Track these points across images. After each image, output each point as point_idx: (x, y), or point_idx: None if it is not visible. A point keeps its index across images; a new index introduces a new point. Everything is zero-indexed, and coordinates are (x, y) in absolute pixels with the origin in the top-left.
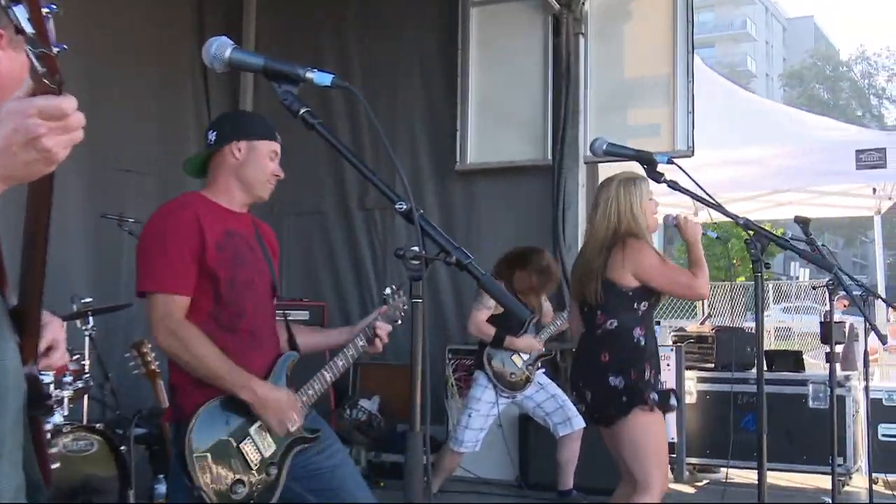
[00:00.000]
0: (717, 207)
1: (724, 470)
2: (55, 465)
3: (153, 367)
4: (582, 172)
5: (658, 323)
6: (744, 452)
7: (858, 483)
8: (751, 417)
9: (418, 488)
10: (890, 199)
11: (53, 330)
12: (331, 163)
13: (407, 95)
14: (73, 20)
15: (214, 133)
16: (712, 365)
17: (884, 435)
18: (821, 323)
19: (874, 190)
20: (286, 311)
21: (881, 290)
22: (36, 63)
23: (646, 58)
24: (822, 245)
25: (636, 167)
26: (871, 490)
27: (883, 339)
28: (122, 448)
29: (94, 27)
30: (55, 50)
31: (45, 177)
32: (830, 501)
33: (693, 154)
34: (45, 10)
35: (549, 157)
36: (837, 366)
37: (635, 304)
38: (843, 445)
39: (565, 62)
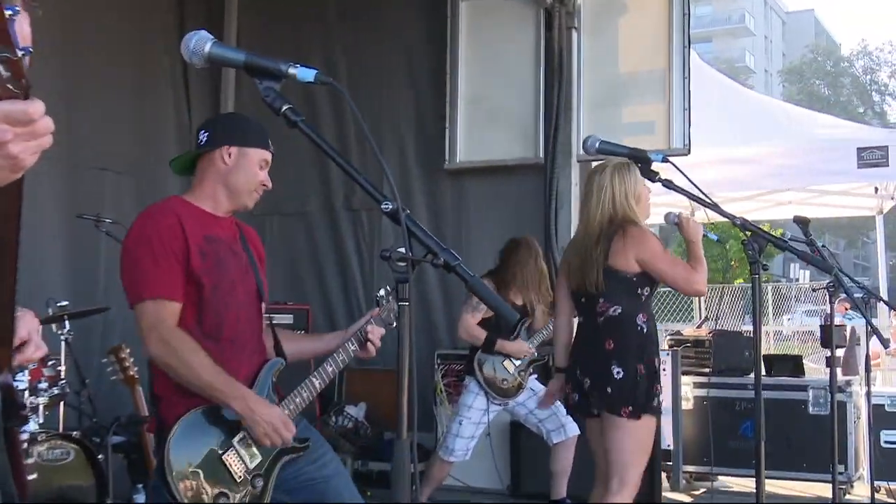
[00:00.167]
0: (714, 207)
1: (721, 478)
2: (31, 477)
3: (131, 372)
4: (575, 171)
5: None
6: (742, 460)
7: (860, 491)
8: (749, 424)
9: (406, 498)
10: (892, 198)
11: (26, 323)
12: (315, 161)
13: (394, 92)
14: (49, 16)
15: (206, 134)
16: (709, 370)
17: (886, 442)
18: (821, 326)
19: (876, 189)
20: (270, 315)
21: (883, 293)
22: None
23: (641, 53)
24: (823, 246)
25: None
26: (872, 499)
27: (885, 342)
28: (100, 457)
29: (71, 23)
30: (20, 53)
31: (13, 182)
32: None
33: (689, 152)
34: (7, 13)
35: (541, 155)
36: (838, 370)
37: (638, 290)
38: (845, 453)
39: (557, 57)
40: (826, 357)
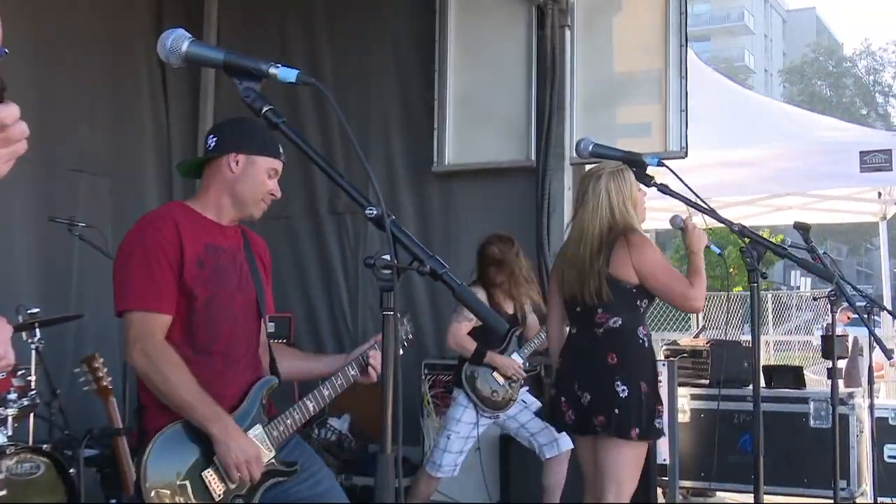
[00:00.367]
0: (711, 213)
1: (719, 494)
2: (0, 493)
3: (105, 383)
4: (567, 174)
5: (649, 336)
6: (740, 475)
7: None
8: (748, 437)
9: None
10: None
11: None
12: (298, 164)
13: (380, 92)
14: (22, 13)
15: (214, 139)
16: (707, 381)
17: (890, 456)
18: (822, 336)
19: (879, 194)
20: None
21: (887, 301)
22: None
23: (636, 52)
24: (824, 253)
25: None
26: None
27: (888, 353)
28: (72, 471)
29: (43, 18)
30: None
31: None
32: None
33: (686, 155)
34: None
35: (533, 157)
36: (840, 382)
37: (637, 302)
38: (847, 467)
39: (550, 56)
40: (828, 368)
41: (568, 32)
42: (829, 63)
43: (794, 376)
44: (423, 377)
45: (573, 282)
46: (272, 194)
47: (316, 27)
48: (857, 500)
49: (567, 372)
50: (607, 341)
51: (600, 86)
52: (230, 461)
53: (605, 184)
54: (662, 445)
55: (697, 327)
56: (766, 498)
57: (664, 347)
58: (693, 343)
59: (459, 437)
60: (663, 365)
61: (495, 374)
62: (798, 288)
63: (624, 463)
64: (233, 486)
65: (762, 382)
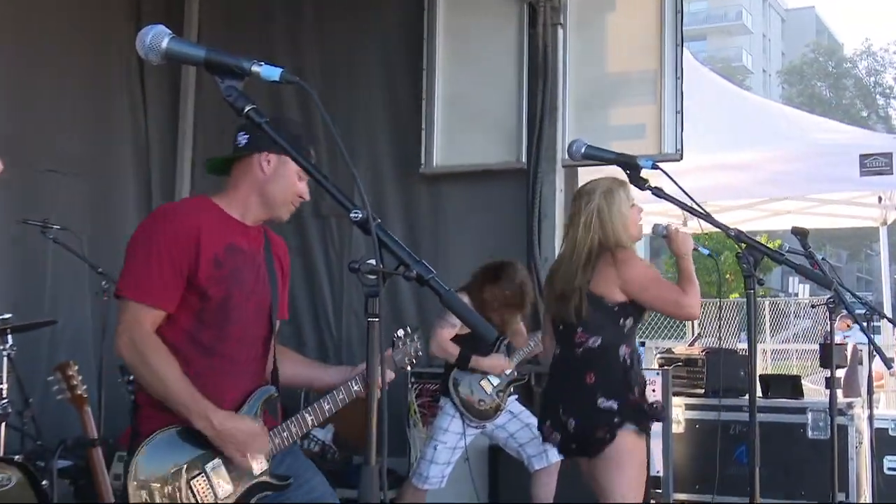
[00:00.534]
0: (706, 217)
1: None
2: None
3: (80, 391)
4: (559, 177)
5: (643, 343)
6: (736, 487)
7: None
8: (744, 448)
9: None
10: None
11: None
12: None
13: (367, 91)
14: None
15: (246, 137)
16: (702, 391)
17: (889, 468)
18: (820, 345)
19: (880, 199)
20: None
21: (887, 309)
22: None
23: (630, 51)
24: (823, 259)
25: (618, 171)
26: None
27: (889, 362)
28: (44, 483)
29: (20, 17)
30: None
31: None
32: None
33: (681, 158)
34: None
35: (524, 159)
36: (839, 392)
37: (620, 321)
38: (845, 480)
39: (542, 55)
40: (826, 378)
41: (560, 31)
42: (828, 64)
43: (791, 386)
44: (410, 386)
45: (558, 299)
46: (301, 197)
47: (301, 24)
48: None
49: (550, 394)
50: (585, 361)
51: (593, 86)
52: (231, 451)
53: (598, 201)
54: (656, 456)
55: (692, 335)
56: None
57: (658, 356)
58: (688, 351)
59: (447, 447)
60: (657, 374)
61: (483, 382)
62: (796, 295)
63: (631, 460)
64: (222, 496)
65: (759, 392)
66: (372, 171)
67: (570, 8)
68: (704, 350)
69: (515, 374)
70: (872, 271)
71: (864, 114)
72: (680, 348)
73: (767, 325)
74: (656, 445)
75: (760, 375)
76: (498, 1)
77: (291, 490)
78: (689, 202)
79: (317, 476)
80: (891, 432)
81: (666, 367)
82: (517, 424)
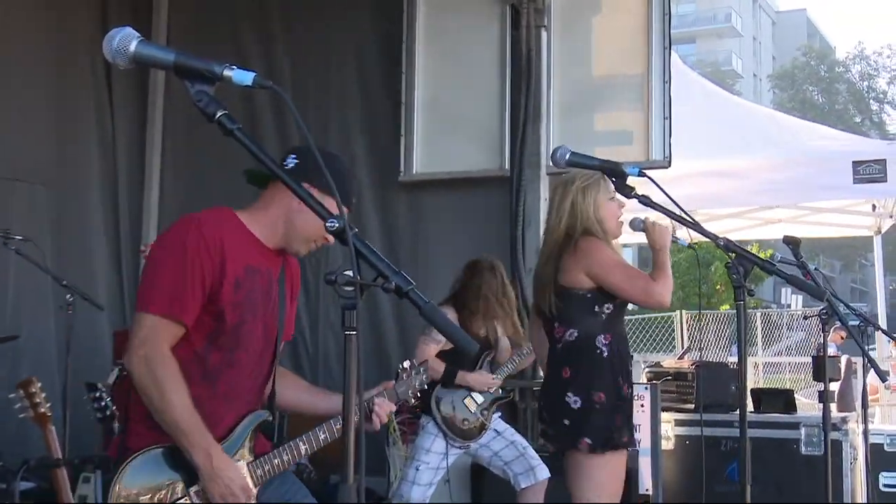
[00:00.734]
0: (695, 226)
1: None
2: None
3: (43, 409)
4: (543, 184)
5: (631, 357)
6: None
7: None
8: (736, 465)
9: None
10: (891, 216)
11: None
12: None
13: (343, 96)
14: None
15: (295, 161)
16: (692, 406)
17: (885, 485)
18: (813, 358)
19: (874, 207)
20: None
21: (882, 321)
22: None
23: (617, 55)
24: (816, 269)
25: None
26: None
27: (883, 375)
28: None
29: None
30: None
31: None
32: None
33: (669, 165)
34: None
35: (507, 166)
36: (833, 406)
37: (596, 308)
38: (840, 496)
39: (525, 59)
40: (819, 391)
41: (544, 33)
42: (820, 67)
43: (784, 400)
44: None
45: (537, 294)
46: (326, 240)
47: (273, 26)
48: None
49: (540, 393)
50: (563, 355)
51: (578, 90)
52: (216, 492)
53: (574, 192)
54: (645, 474)
55: (682, 347)
56: None
57: (647, 370)
58: (677, 365)
59: (429, 467)
60: (645, 388)
61: (466, 399)
62: (789, 306)
63: (582, 482)
64: None
65: (750, 407)
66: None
67: (555, 10)
68: (694, 363)
69: (500, 391)
70: (867, 281)
71: (858, 119)
72: (669, 361)
73: (759, 337)
74: (645, 462)
75: (752, 389)
76: (479, 2)
77: None
78: (677, 211)
79: (308, 498)
80: (886, 448)
81: (654, 382)
82: (502, 442)
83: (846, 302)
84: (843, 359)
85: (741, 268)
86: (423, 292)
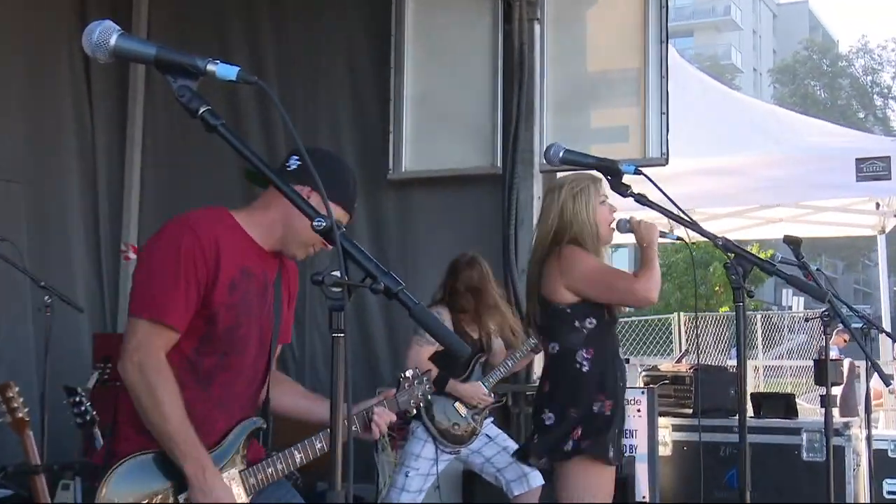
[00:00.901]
0: (693, 226)
1: None
2: None
3: (21, 414)
4: (537, 182)
5: (627, 360)
6: None
7: None
8: (735, 472)
9: None
10: None
11: None
12: (238, 169)
13: (330, 91)
14: None
15: (297, 162)
16: (690, 410)
17: (889, 492)
18: (815, 361)
19: (878, 205)
20: None
21: (886, 323)
22: None
23: (612, 49)
24: (817, 269)
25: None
26: None
27: (887, 379)
28: None
29: None
30: None
31: None
32: None
33: (667, 162)
34: None
35: (499, 164)
36: (835, 411)
37: (577, 323)
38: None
39: (518, 53)
40: (821, 396)
41: (537, 27)
42: (823, 62)
43: (785, 405)
44: None
45: (526, 301)
46: (324, 245)
47: (258, 21)
48: None
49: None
50: (547, 370)
51: (573, 86)
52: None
53: (564, 195)
54: (642, 481)
55: (680, 351)
56: None
57: (643, 374)
58: (675, 369)
59: (419, 474)
60: (642, 393)
61: (457, 404)
62: (790, 308)
63: (566, 487)
64: None
65: (750, 411)
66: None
67: (548, 2)
68: (692, 367)
69: (492, 395)
70: (870, 282)
71: (861, 115)
72: (666, 365)
73: (759, 340)
74: (642, 469)
75: (752, 394)
76: None
77: None
78: (674, 210)
79: (298, 500)
80: (890, 454)
81: (651, 386)
82: (494, 448)
83: (849, 303)
84: (846, 362)
85: (740, 268)
86: (412, 293)
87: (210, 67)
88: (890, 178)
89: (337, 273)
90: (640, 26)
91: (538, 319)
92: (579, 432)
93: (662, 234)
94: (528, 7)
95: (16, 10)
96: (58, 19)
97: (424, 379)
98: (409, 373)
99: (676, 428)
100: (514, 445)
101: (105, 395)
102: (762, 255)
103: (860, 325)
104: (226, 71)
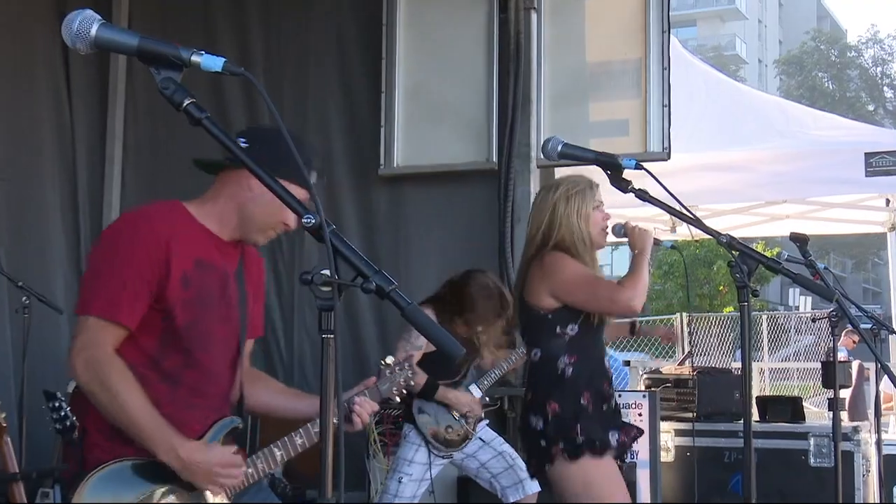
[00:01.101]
0: (696, 223)
1: None
2: None
3: None
4: (534, 178)
5: (628, 363)
6: None
7: None
8: (740, 477)
9: None
10: None
11: None
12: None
13: (320, 84)
14: None
15: (244, 144)
16: (693, 414)
17: None
18: (823, 363)
19: (888, 201)
20: None
21: None
22: None
23: (612, 39)
24: (825, 268)
25: (598, 172)
26: None
27: None
28: None
29: None
30: None
31: None
32: None
33: (669, 157)
34: None
35: (495, 159)
36: (844, 415)
37: (558, 329)
38: None
39: (514, 44)
40: (829, 399)
41: (534, 16)
42: (831, 52)
43: (791, 408)
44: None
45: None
46: (286, 225)
47: (244, 10)
48: None
49: None
50: (530, 377)
51: (571, 77)
52: (200, 481)
53: (557, 199)
54: (643, 487)
55: (682, 353)
56: None
57: (645, 377)
58: (677, 371)
59: (412, 480)
60: (644, 396)
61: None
62: (797, 308)
63: (565, 489)
64: None
65: (755, 415)
66: (325, 171)
67: None
68: (695, 370)
69: (486, 399)
70: (880, 281)
71: (870, 108)
72: (668, 368)
73: (765, 341)
74: (643, 475)
75: (757, 397)
76: None
77: None
78: (676, 206)
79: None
80: None
81: (653, 390)
82: (489, 453)
83: (858, 303)
84: (855, 364)
85: (745, 267)
86: (405, 292)
87: (195, 58)
88: None
89: (326, 272)
90: (641, 15)
91: (521, 325)
92: (577, 429)
93: (657, 243)
94: None
95: None
96: (34, 10)
97: (406, 365)
98: (389, 359)
99: (679, 433)
100: (509, 449)
101: (86, 399)
102: (768, 254)
103: (870, 325)
104: (211, 62)
